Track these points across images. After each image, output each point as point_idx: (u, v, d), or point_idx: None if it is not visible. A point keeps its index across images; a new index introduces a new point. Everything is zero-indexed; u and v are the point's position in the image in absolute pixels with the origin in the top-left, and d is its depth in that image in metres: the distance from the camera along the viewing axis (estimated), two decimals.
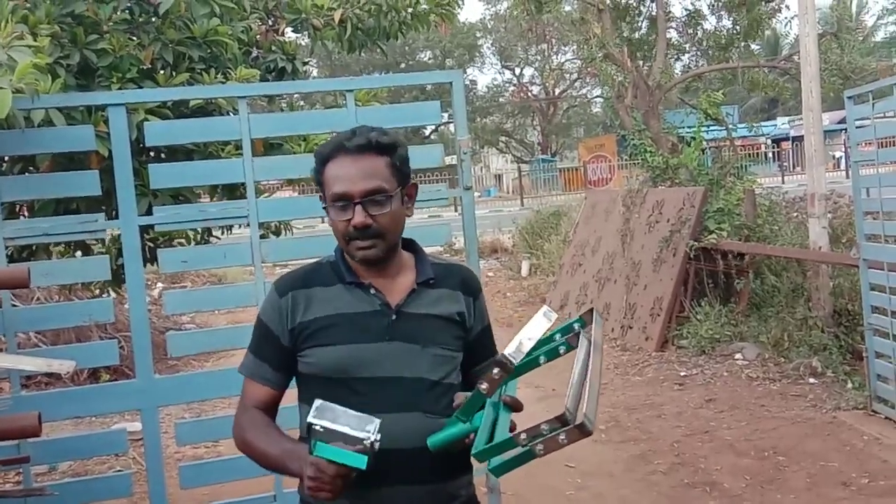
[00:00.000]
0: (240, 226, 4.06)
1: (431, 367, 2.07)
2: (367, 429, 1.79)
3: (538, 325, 1.87)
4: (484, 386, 1.82)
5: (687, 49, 16.30)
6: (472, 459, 1.87)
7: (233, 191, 4.59)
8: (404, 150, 2.12)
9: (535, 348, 1.91)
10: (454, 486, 2.10)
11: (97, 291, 5.38)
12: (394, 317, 2.05)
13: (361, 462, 1.78)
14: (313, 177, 2.12)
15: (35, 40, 3.52)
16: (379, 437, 1.80)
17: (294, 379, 2.15)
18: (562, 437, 1.71)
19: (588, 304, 10.77)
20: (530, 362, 1.97)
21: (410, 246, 2.19)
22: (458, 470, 2.11)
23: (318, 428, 1.79)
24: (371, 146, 2.04)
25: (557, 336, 1.99)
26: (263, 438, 2.06)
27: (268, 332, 2.09)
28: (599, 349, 1.93)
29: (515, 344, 1.80)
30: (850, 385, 6.88)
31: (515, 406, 1.95)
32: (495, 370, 1.80)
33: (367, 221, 2.00)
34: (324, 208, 2.10)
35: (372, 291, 2.06)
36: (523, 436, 1.76)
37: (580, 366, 1.88)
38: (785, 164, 37.31)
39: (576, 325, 1.96)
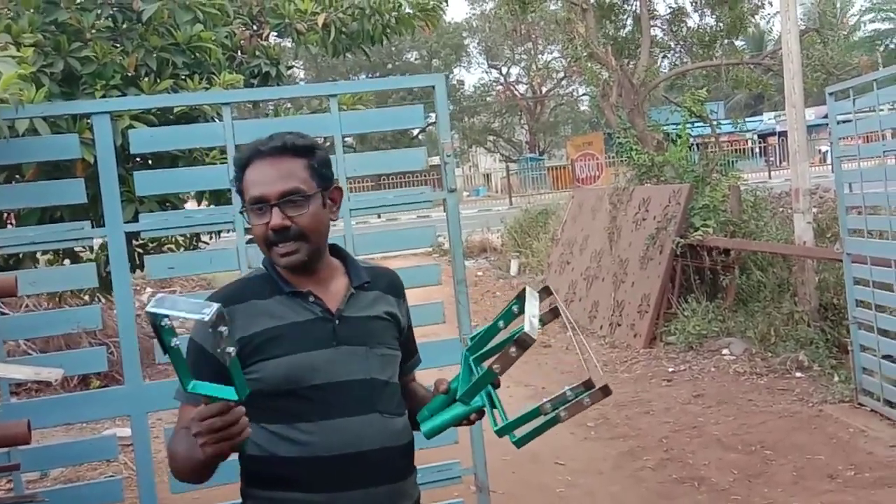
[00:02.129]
0: (227, 230, 4.08)
1: (381, 367, 2.09)
2: (204, 311, 1.62)
3: (534, 304, 1.92)
4: (497, 366, 1.82)
5: (671, 47, 16.36)
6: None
7: (219, 196, 4.62)
8: (324, 153, 2.10)
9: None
10: (408, 485, 2.12)
11: (87, 298, 5.39)
12: (337, 322, 2.04)
13: (232, 394, 1.67)
14: (233, 185, 2.10)
15: (18, 49, 3.54)
16: (217, 312, 1.62)
17: None
18: (586, 399, 1.83)
19: (578, 302, 10.83)
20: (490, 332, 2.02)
21: (336, 252, 2.17)
22: (412, 467, 2.15)
23: (160, 314, 1.59)
24: (287, 148, 2.02)
25: (500, 323, 2.01)
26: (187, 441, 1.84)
27: (203, 352, 1.93)
28: (572, 319, 2.00)
29: (528, 322, 1.81)
30: (836, 378, 6.94)
31: (496, 383, 1.97)
32: (513, 349, 1.79)
33: (285, 223, 1.97)
34: (243, 214, 2.08)
35: (311, 299, 2.03)
36: (548, 405, 1.84)
37: (575, 339, 1.96)
38: (771, 159, 37.46)
39: (514, 308, 1.98)
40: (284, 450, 1.98)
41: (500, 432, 1.88)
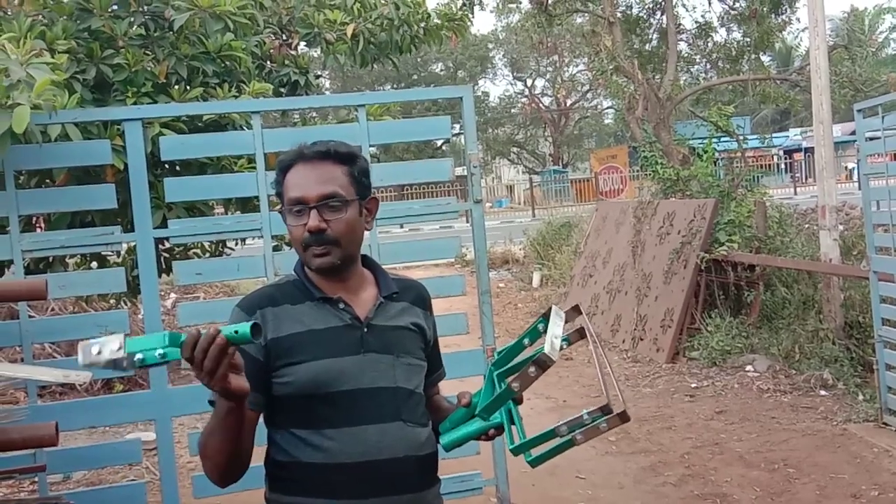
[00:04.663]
0: (253, 237, 4.13)
1: (406, 376, 2.11)
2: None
3: (558, 324, 1.94)
4: (516, 384, 1.84)
5: (697, 61, 16.32)
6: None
7: (246, 204, 4.66)
8: (364, 163, 2.15)
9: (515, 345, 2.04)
10: (431, 495, 2.13)
11: (112, 302, 5.45)
12: (365, 329, 2.07)
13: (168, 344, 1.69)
14: (274, 188, 2.15)
15: (52, 56, 3.60)
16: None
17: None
18: (603, 424, 1.82)
19: (601, 315, 10.80)
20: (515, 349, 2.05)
21: (367, 262, 2.21)
22: (434, 478, 2.16)
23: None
24: (329, 154, 2.08)
25: (526, 341, 2.03)
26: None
27: (241, 353, 1.84)
28: (597, 341, 2.01)
29: (549, 343, 1.83)
30: (860, 397, 6.87)
31: (519, 400, 1.99)
32: (532, 369, 1.81)
33: (322, 225, 2.01)
34: (282, 214, 2.11)
35: (341, 306, 2.07)
36: (564, 427, 1.84)
37: (597, 361, 1.94)
38: (797, 175, 37.25)
39: (540, 327, 2.00)
40: (308, 455, 2.00)
41: (516, 450, 1.89)
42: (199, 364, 1.68)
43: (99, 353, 1.66)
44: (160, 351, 1.67)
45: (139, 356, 1.67)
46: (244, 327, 1.68)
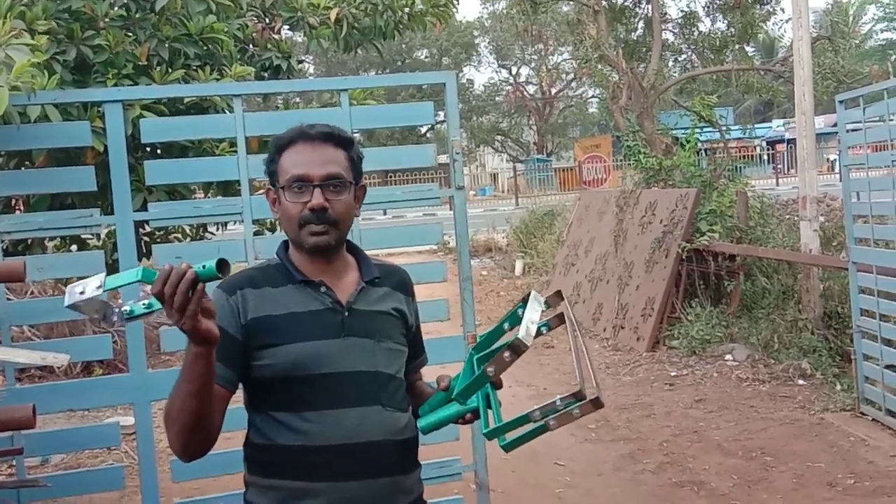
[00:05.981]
0: (234, 222, 4.10)
1: (387, 361, 2.11)
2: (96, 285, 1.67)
3: (535, 309, 1.94)
4: (491, 369, 1.84)
5: (682, 51, 16.35)
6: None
7: (227, 187, 4.63)
8: (360, 150, 2.17)
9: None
10: (411, 480, 2.13)
11: None
12: (346, 314, 2.07)
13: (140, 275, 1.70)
14: (265, 166, 2.14)
15: (32, 36, 3.56)
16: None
17: (244, 390, 2.09)
18: (576, 411, 1.80)
19: (582, 304, 10.83)
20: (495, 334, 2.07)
21: (350, 247, 2.21)
22: (414, 463, 2.16)
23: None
24: (333, 137, 2.09)
25: (506, 325, 2.05)
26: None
27: (219, 330, 1.81)
28: (576, 326, 2.02)
29: (524, 328, 1.83)
30: (838, 387, 6.93)
31: (498, 384, 1.99)
32: (507, 353, 1.81)
33: (325, 204, 2.02)
34: (272, 197, 2.12)
35: (322, 290, 2.07)
36: (537, 412, 1.83)
37: (574, 346, 1.95)
38: (779, 166, 37.41)
39: (520, 312, 2.00)
40: (287, 438, 2.00)
41: (490, 435, 1.89)
42: (169, 300, 1.67)
43: (82, 292, 1.68)
44: (145, 301, 1.70)
45: (126, 308, 1.70)
46: (210, 263, 1.67)
